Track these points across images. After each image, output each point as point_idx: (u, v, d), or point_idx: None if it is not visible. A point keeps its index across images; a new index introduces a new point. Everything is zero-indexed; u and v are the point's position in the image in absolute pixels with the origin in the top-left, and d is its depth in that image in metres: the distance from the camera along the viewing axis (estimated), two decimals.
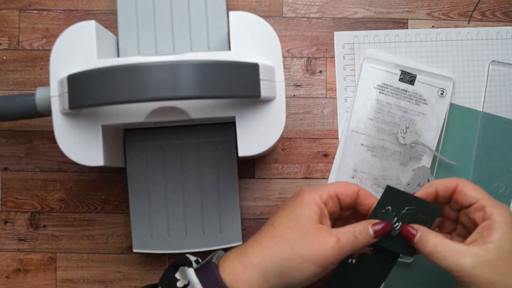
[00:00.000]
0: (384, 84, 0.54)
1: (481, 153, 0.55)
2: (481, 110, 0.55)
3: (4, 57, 0.54)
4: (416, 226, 0.41)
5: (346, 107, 0.55)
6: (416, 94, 0.54)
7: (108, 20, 0.54)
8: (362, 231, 0.40)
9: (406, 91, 0.54)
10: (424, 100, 0.54)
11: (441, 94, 0.53)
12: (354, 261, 0.43)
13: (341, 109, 0.55)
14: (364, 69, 0.55)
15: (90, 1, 0.55)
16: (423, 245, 0.40)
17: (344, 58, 0.56)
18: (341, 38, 0.56)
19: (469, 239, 0.40)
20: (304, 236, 0.39)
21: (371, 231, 0.40)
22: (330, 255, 0.38)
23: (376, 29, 0.56)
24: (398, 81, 0.54)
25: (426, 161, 0.54)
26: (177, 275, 0.39)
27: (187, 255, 0.42)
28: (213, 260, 0.40)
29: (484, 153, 0.55)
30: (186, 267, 0.39)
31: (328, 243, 0.38)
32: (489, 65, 0.56)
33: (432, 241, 0.39)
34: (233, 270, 0.38)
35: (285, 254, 0.38)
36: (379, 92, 0.55)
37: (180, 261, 0.41)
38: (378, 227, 0.41)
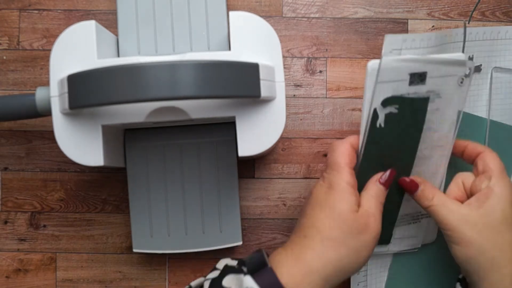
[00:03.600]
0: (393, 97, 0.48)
1: None
2: (486, 117, 0.55)
3: (4, 57, 0.54)
4: (417, 179, 0.45)
5: None
6: (430, 91, 0.47)
7: (108, 20, 0.54)
8: (378, 192, 0.43)
9: (416, 93, 0.50)
10: (438, 94, 0.47)
11: (461, 83, 0.47)
12: (382, 125, 0.45)
13: None
14: (368, 87, 0.46)
15: (90, 1, 0.55)
16: (422, 198, 0.44)
17: None
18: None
19: (467, 201, 0.43)
20: (353, 230, 0.40)
21: (381, 187, 0.43)
22: (377, 235, 0.41)
23: (376, 29, 0.56)
24: (408, 86, 0.46)
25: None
26: (227, 283, 0.39)
27: (224, 259, 0.42)
28: (268, 266, 0.39)
29: None
30: (240, 274, 0.39)
31: (374, 227, 0.40)
32: (491, 71, 0.55)
33: (431, 195, 0.43)
34: (293, 277, 0.38)
35: (342, 254, 0.39)
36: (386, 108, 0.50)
37: (219, 267, 0.41)
38: (384, 178, 0.44)
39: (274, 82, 0.43)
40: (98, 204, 0.54)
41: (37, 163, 0.54)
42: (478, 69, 0.54)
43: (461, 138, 0.51)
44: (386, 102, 0.45)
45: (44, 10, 0.55)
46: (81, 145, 0.43)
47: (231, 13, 0.44)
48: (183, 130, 0.51)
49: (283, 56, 0.55)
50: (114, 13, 0.54)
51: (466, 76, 0.46)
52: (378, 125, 0.45)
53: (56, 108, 0.43)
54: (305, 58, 0.56)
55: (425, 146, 0.47)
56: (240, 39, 0.43)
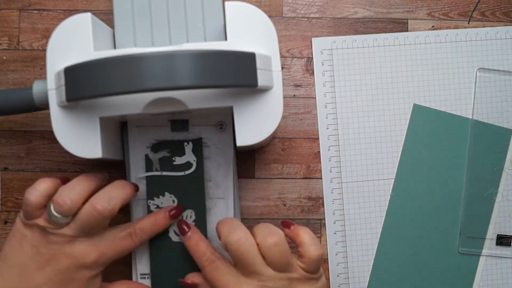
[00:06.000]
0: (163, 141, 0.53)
1: (473, 161, 0.55)
2: (470, 117, 0.55)
3: (4, 57, 0.54)
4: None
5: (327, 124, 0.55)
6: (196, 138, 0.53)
7: (108, 20, 0.54)
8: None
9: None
10: (205, 142, 0.52)
11: (220, 128, 0.53)
12: (158, 168, 0.49)
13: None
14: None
15: (90, 1, 0.55)
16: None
17: (323, 74, 0.55)
18: (317, 44, 0.56)
19: None
20: None
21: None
22: None
23: (376, 29, 0.56)
24: (171, 133, 0.51)
25: None
26: None
27: None
28: None
29: (476, 161, 0.55)
30: None
31: None
32: (476, 72, 0.55)
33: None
34: None
35: None
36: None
37: None
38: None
39: (271, 71, 0.43)
40: None
41: (37, 163, 0.54)
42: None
43: (445, 139, 0.52)
44: (156, 147, 0.49)
45: (44, 10, 0.55)
46: (79, 137, 0.43)
47: (226, 3, 0.44)
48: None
49: (283, 56, 0.55)
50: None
51: (224, 124, 0.49)
52: (154, 169, 0.49)
53: (53, 101, 0.43)
54: (305, 58, 0.56)
55: (208, 196, 0.50)
56: (236, 29, 0.43)
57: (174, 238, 0.49)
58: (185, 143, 0.49)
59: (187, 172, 0.49)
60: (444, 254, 0.54)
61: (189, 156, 0.49)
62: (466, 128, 0.55)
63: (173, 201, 0.49)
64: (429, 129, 0.55)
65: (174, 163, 0.49)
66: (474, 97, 0.55)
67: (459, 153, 0.55)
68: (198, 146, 0.49)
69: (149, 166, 0.49)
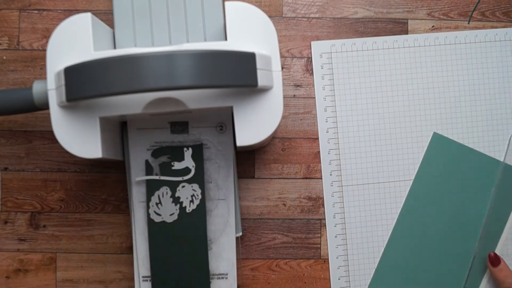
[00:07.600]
0: (164, 147, 0.52)
1: (495, 204, 0.54)
2: (502, 160, 0.55)
3: (4, 57, 0.54)
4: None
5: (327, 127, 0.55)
6: (196, 140, 0.52)
7: (108, 20, 0.54)
8: None
9: (182, 142, 0.53)
10: (206, 144, 0.52)
11: (220, 130, 0.52)
12: (159, 173, 0.49)
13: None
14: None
15: (90, 1, 0.55)
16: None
17: (323, 78, 0.55)
18: (316, 48, 0.55)
19: None
20: None
21: None
22: None
23: (376, 29, 0.56)
24: (170, 135, 0.52)
25: None
26: None
27: None
28: None
29: (500, 204, 0.54)
30: None
31: None
32: (510, 138, 0.55)
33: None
34: None
35: None
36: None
37: None
38: None
39: (271, 71, 0.43)
40: (98, 204, 0.54)
41: (37, 163, 0.54)
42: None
43: (470, 177, 0.53)
44: (156, 153, 0.49)
45: (44, 10, 0.55)
46: (79, 137, 0.43)
47: (226, 3, 0.44)
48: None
49: (283, 56, 0.55)
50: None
51: (223, 125, 0.49)
52: (154, 174, 0.49)
53: (53, 101, 0.43)
54: (305, 58, 0.56)
55: (208, 198, 0.50)
56: (236, 29, 0.43)
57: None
58: (185, 149, 0.49)
59: (186, 177, 0.49)
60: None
61: (188, 162, 0.49)
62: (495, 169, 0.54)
63: (174, 204, 0.49)
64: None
65: (173, 168, 0.49)
66: (508, 147, 0.54)
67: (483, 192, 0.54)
68: (198, 152, 0.49)
69: (149, 171, 0.49)
